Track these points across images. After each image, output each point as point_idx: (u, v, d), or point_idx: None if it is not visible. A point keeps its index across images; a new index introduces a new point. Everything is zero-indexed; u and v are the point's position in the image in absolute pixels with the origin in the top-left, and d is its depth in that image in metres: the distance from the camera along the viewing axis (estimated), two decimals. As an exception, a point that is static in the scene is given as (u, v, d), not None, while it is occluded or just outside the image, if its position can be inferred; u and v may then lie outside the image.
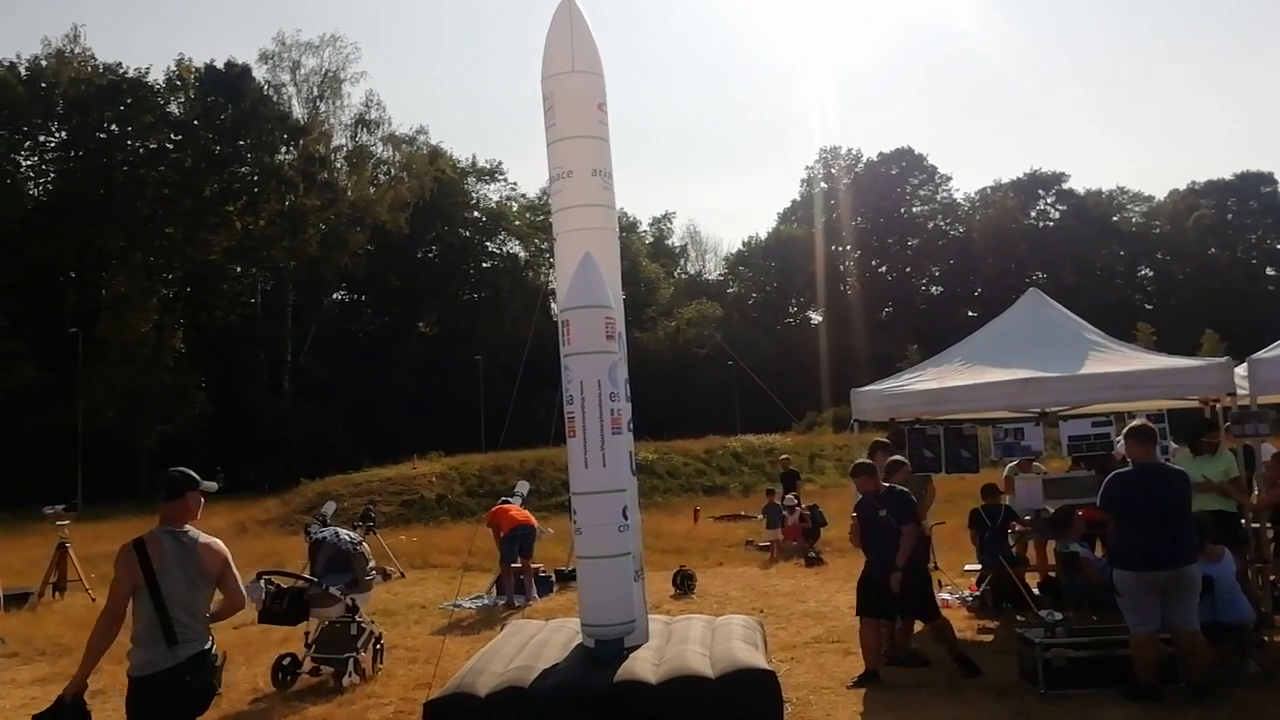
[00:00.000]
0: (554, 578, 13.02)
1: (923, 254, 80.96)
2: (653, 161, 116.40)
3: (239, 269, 57.15)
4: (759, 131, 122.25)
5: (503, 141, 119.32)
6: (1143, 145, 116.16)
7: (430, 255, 66.23)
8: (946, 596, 10.39)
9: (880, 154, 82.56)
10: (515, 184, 73.50)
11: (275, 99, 55.97)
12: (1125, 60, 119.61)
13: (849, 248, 79.01)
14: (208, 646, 4.51)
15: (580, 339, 6.35)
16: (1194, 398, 9.74)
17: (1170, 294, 74.87)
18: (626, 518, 6.36)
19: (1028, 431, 10.77)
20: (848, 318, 71.08)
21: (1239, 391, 8.54)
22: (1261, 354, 8.56)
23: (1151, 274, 79.55)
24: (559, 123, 6.80)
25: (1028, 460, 11.01)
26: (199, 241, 53.62)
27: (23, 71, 52.94)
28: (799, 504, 16.44)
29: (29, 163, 54.65)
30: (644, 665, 5.97)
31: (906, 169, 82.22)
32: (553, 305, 8.52)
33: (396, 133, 60.17)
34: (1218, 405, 9.85)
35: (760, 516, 17.71)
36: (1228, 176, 79.11)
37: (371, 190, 57.82)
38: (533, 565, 12.42)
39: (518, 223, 69.51)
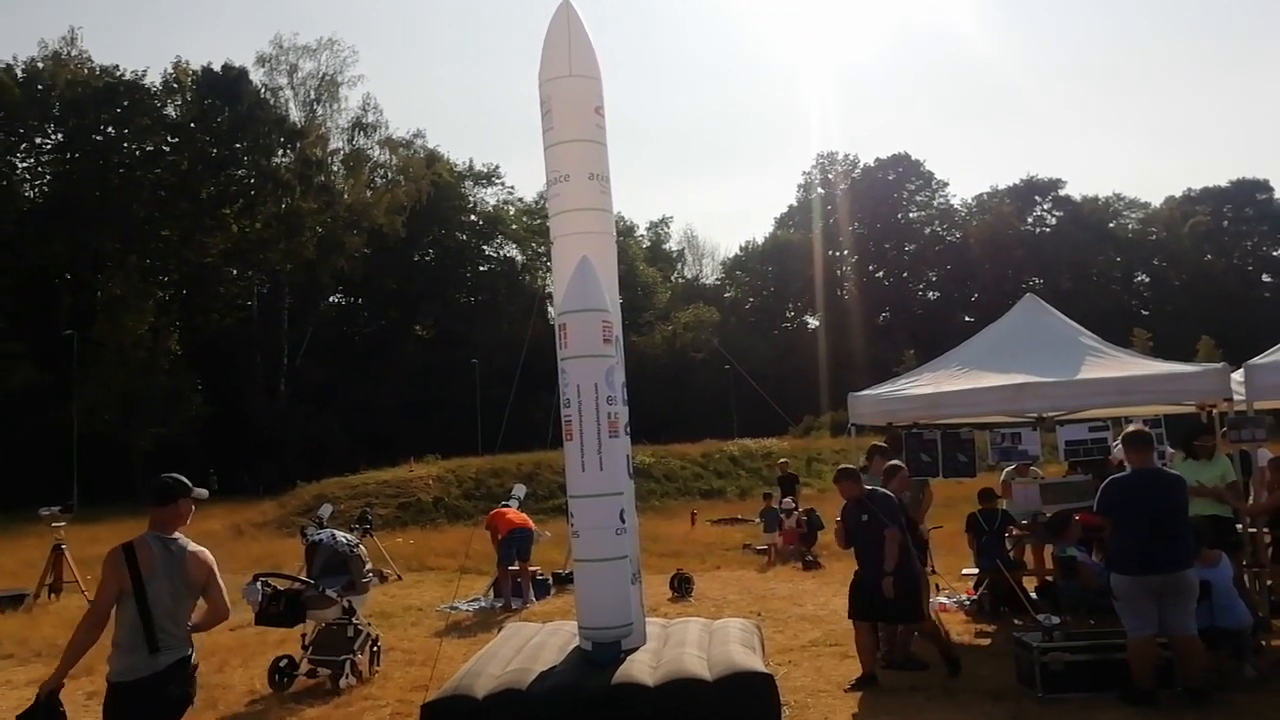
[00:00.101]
0: (551, 580, 13.02)
1: (920, 259, 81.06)
2: (650, 165, 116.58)
3: (235, 272, 57.09)
4: (756, 136, 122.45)
5: (500, 145, 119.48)
6: (1139, 152, 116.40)
7: (427, 258, 66.21)
8: (944, 600, 10.41)
9: (877, 159, 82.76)
10: (512, 188, 73.50)
11: (272, 102, 55.96)
12: (1122, 67, 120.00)
13: (846, 253, 79.09)
14: (187, 655, 4.50)
15: (577, 343, 6.36)
16: (1191, 403, 9.76)
17: (1166, 300, 75.04)
18: (624, 521, 6.37)
19: (1025, 436, 10.78)
20: (845, 322, 71.11)
21: (1235, 397, 8.56)
22: (1258, 360, 8.58)
23: (1148, 280, 79.72)
24: (556, 126, 6.81)
25: (1025, 465, 11.03)
26: (195, 244, 53.58)
27: (19, 73, 52.86)
28: (796, 508, 16.45)
29: (25, 165, 54.57)
30: (641, 668, 5.97)
31: (904, 174, 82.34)
32: (550, 309, 8.51)
33: (393, 136, 60.20)
34: (1214, 411, 9.87)
35: (757, 520, 17.73)
36: (1224, 183, 79.41)
37: (368, 193, 57.78)
38: (530, 568, 12.42)
39: (515, 226, 69.51)
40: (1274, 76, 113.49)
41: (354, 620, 8.14)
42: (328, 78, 56.50)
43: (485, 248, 69.64)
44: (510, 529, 12.19)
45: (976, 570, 10.39)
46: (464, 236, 68.23)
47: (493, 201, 71.20)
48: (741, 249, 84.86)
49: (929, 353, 13.76)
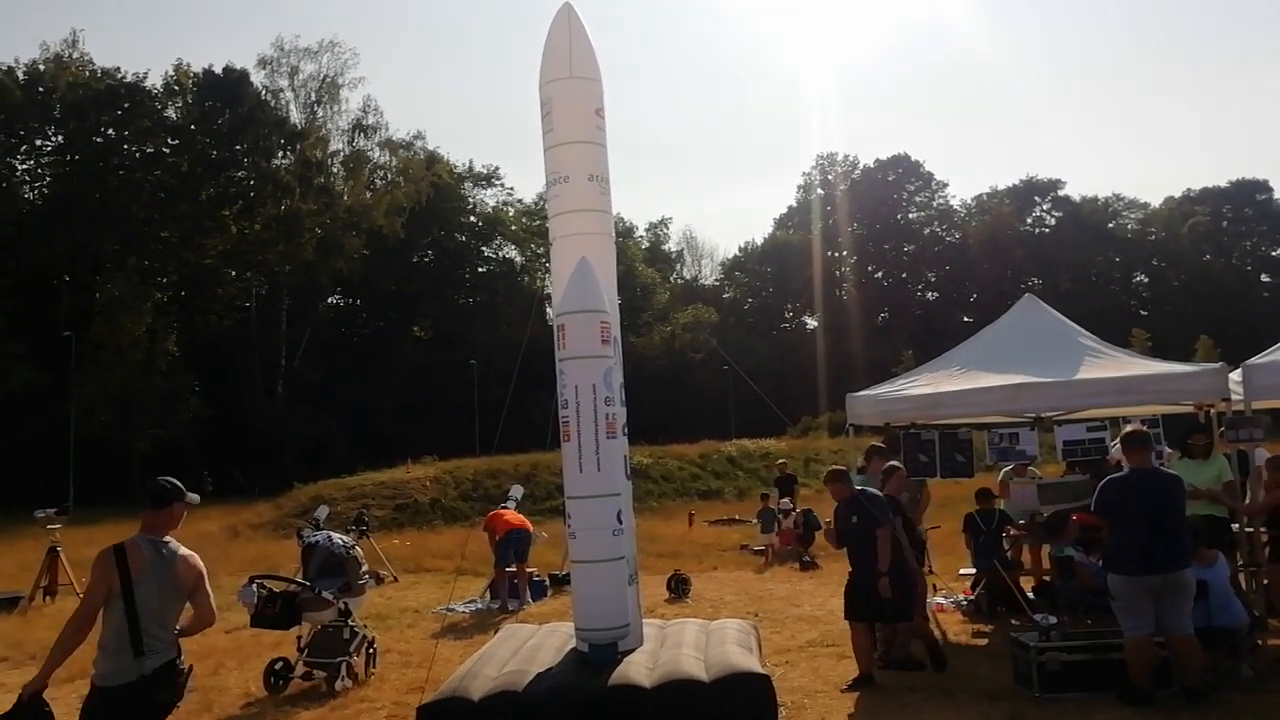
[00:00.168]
0: (548, 582, 13.01)
1: (919, 260, 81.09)
2: (649, 166, 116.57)
3: (234, 273, 57.06)
4: (756, 137, 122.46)
5: (500, 146, 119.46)
6: (1138, 152, 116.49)
7: (426, 260, 66.17)
8: (941, 600, 10.40)
9: (877, 160, 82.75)
10: (512, 189, 73.21)
11: (273, 104, 55.95)
12: (1121, 68, 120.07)
13: (845, 253, 79.10)
14: (173, 659, 4.48)
15: (576, 343, 6.36)
16: (1189, 403, 9.75)
17: (1165, 300, 75.07)
18: (621, 522, 6.36)
19: (1023, 436, 10.77)
20: (844, 323, 71.11)
21: (1233, 397, 8.56)
22: (1256, 360, 8.58)
23: (1147, 280, 79.75)
24: (556, 128, 6.83)
25: (1022, 465, 11.02)
26: (194, 245, 53.56)
27: (20, 75, 52.87)
28: (794, 509, 16.45)
29: (25, 166, 54.57)
30: (638, 669, 5.96)
31: (903, 175, 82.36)
32: (548, 310, 8.51)
33: (393, 138, 60.17)
34: (1212, 410, 9.86)
35: (755, 521, 17.71)
36: (1223, 184, 79.50)
37: (368, 195, 57.77)
38: (526, 569, 12.41)
39: (514, 227, 69.46)
40: (1273, 76, 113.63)
41: (350, 622, 8.13)
42: (328, 79, 56.56)
43: (484, 249, 69.61)
44: (508, 530, 12.18)
45: (974, 570, 10.39)
46: (463, 238, 68.19)
47: (492, 203, 71.23)
48: (740, 250, 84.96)
49: (927, 353, 13.76)
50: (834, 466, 7.82)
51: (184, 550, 4.61)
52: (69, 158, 53.40)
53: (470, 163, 70.46)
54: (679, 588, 12.24)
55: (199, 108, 55.35)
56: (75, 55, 54.24)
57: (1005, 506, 10.61)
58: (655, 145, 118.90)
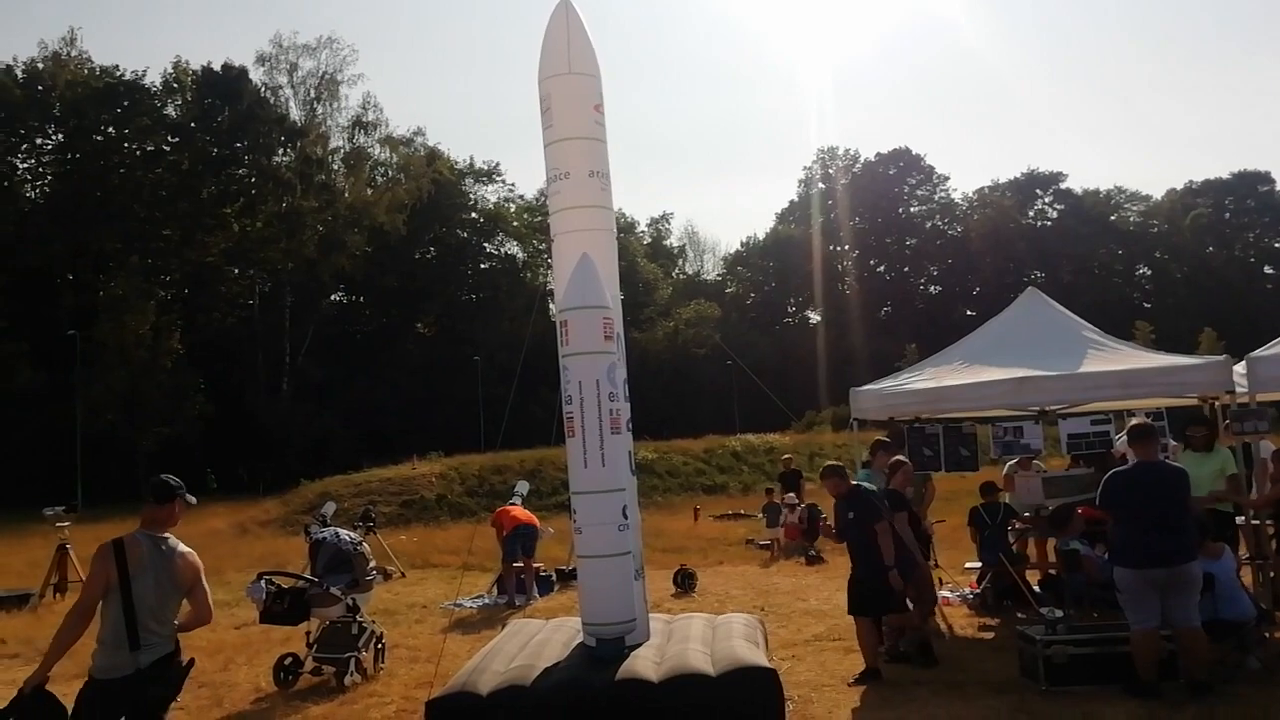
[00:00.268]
0: (554, 577, 13.04)
1: (921, 254, 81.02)
2: (651, 162, 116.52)
3: (236, 271, 57.13)
4: (757, 132, 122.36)
5: (500, 143, 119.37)
6: (1140, 145, 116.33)
7: (428, 256, 66.21)
8: (947, 594, 10.41)
9: (878, 154, 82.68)
10: (513, 185, 73.26)
11: (272, 101, 55.97)
12: (1123, 60, 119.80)
13: (847, 247, 79.04)
14: (170, 653, 4.52)
15: (579, 339, 6.37)
16: (1193, 396, 9.75)
17: (1168, 293, 74.95)
18: (626, 517, 6.38)
19: (1027, 430, 10.78)
20: (846, 317, 71.12)
21: (1237, 389, 8.55)
22: (1260, 352, 8.57)
23: (1149, 273, 79.64)
24: (556, 124, 6.83)
25: (1027, 458, 11.02)
26: (196, 243, 53.61)
27: (19, 74, 52.91)
28: (799, 503, 16.46)
29: (26, 165, 54.66)
30: (645, 664, 5.98)
31: (904, 169, 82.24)
32: (551, 306, 8.52)
33: (394, 134, 60.23)
34: (1216, 403, 9.86)
35: (760, 515, 17.73)
36: (1225, 176, 79.38)
37: (369, 192, 57.79)
38: (533, 564, 12.44)
39: (515, 224, 69.47)
40: (1276, 69, 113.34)
41: (358, 618, 8.15)
42: (327, 76, 56.57)
43: (486, 245, 69.60)
44: (516, 525, 12.23)
45: (979, 564, 10.40)
46: (465, 234, 68.19)
47: (493, 199, 71.27)
48: (742, 245, 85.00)
49: (930, 347, 13.74)
50: (829, 463, 7.81)
51: (183, 547, 4.66)
52: (69, 156, 53.45)
53: (471, 159, 70.62)
54: (685, 582, 12.26)
55: (198, 105, 55.39)
56: (74, 53, 54.36)
57: (1010, 500, 10.61)
58: (656, 141, 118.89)
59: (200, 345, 50.55)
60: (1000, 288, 62.63)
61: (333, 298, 62.52)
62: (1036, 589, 9.75)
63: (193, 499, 4.85)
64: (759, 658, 6.10)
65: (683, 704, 5.61)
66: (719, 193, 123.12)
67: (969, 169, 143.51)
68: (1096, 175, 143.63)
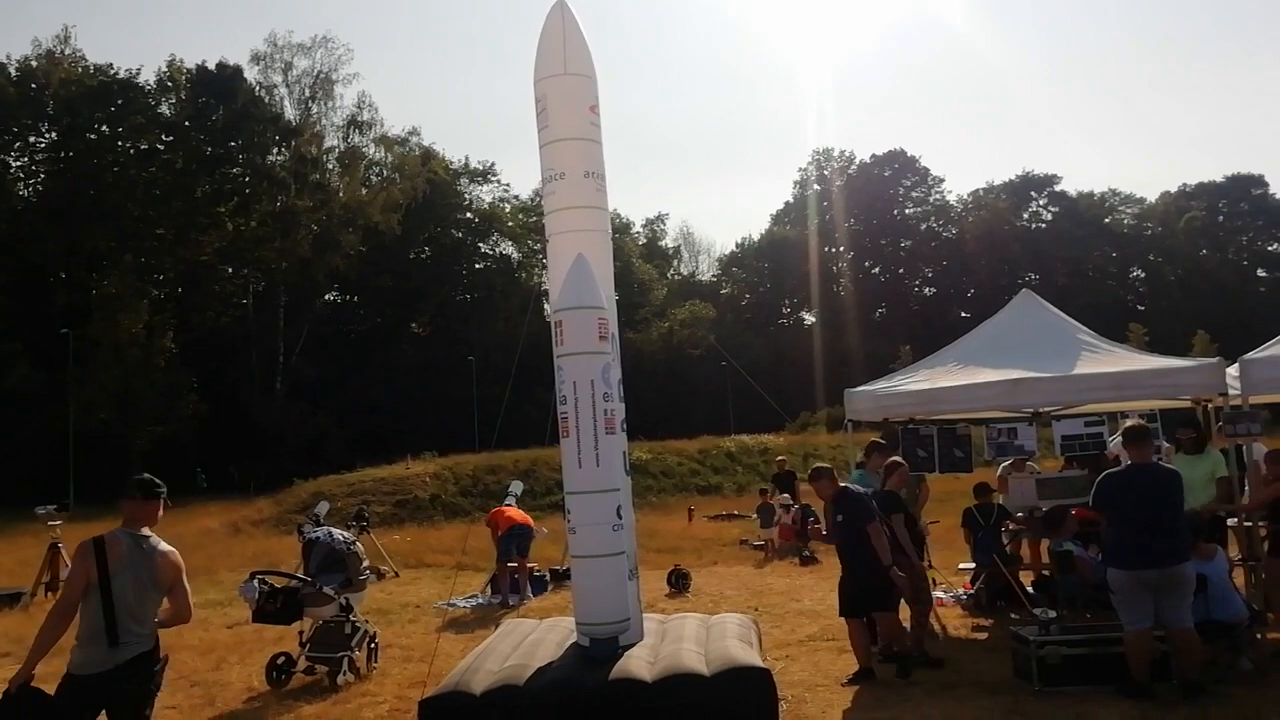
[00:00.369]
0: (548, 577, 13.04)
1: (916, 255, 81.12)
2: (646, 163, 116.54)
3: (230, 270, 56.99)
4: (752, 133, 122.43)
5: (495, 143, 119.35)
6: (1134, 147, 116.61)
7: (423, 256, 66.10)
8: (941, 595, 10.42)
9: (873, 156, 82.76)
10: (508, 185, 73.40)
11: (267, 100, 55.77)
12: (1118, 62, 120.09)
13: (842, 249, 79.10)
14: (149, 650, 4.53)
15: (573, 340, 6.37)
16: (1186, 398, 9.78)
17: (1162, 295, 75.13)
18: (620, 517, 6.38)
19: (1021, 431, 10.81)
20: (841, 319, 71.16)
21: (1230, 391, 8.58)
22: (1253, 354, 8.60)
23: (1143, 275, 79.83)
24: (551, 125, 6.83)
25: (1021, 460, 11.05)
26: (190, 242, 53.46)
27: (13, 72, 52.71)
28: (794, 504, 16.49)
29: (19, 163, 54.42)
30: (639, 664, 5.98)
31: (899, 171, 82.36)
32: (546, 306, 8.52)
33: (388, 134, 60.04)
34: (1209, 405, 9.89)
35: (754, 516, 17.74)
36: (1219, 179, 79.55)
37: (363, 191, 57.67)
38: (527, 564, 12.44)
39: (510, 224, 69.41)
40: (1270, 72, 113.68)
41: (351, 617, 8.14)
42: (322, 75, 56.37)
43: (481, 245, 69.55)
44: (510, 525, 12.24)
45: (973, 565, 10.41)
46: (460, 234, 68.12)
47: (488, 199, 71.19)
48: (738, 245, 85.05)
49: (925, 348, 13.79)
50: (816, 465, 7.79)
51: (164, 545, 4.66)
52: (63, 155, 53.26)
53: (466, 159, 70.52)
54: (679, 583, 12.27)
55: (192, 104, 55.24)
56: (68, 51, 54.12)
57: (1004, 501, 10.63)
58: (652, 141, 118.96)
59: (194, 344, 50.42)
60: (995, 290, 62.73)
61: (327, 297, 62.40)
62: (1030, 590, 9.76)
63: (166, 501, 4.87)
64: (753, 658, 6.10)
65: (676, 704, 5.61)
66: (714, 194, 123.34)
67: (964, 171, 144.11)
68: (1093, 177, 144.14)
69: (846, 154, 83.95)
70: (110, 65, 54.30)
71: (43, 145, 54.34)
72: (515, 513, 12.60)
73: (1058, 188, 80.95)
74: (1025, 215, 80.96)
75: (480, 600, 12.23)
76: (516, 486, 14.70)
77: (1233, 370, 8.63)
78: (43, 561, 13.73)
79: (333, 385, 53.27)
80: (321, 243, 54.18)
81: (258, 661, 8.46)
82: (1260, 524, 8.53)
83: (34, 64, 53.17)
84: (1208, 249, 76.91)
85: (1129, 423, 7.19)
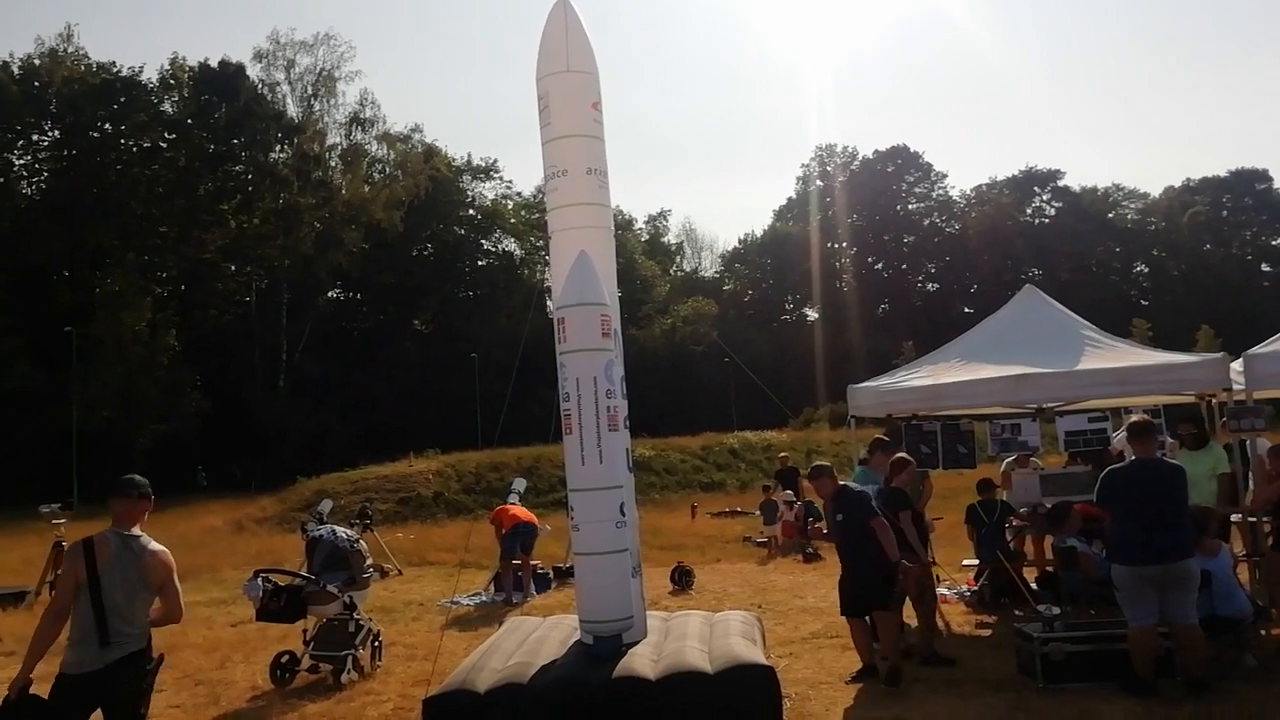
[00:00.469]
0: (551, 574, 13.04)
1: (919, 251, 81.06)
2: (648, 159, 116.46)
3: (233, 267, 57.09)
4: (754, 129, 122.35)
5: (498, 139, 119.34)
6: (1139, 144, 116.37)
7: (425, 253, 66.16)
8: (945, 591, 10.41)
9: (876, 151, 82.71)
10: (510, 182, 73.13)
11: (269, 98, 55.85)
12: (1121, 57, 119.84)
13: (845, 245, 79.06)
14: (141, 650, 4.55)
15: (576, 337, 6.36)
16: (1190, 393, 9.76)
17: (1166, 290, 75.02)
18: (624, 514, 6.37)
19: (1025, 427, 10.78)
20: (844, 315, 71.16)
21: (1235, 386, 8.56)
22: (1257, 349, 8.57)
23: (1147, 270, 79.73)
24: (554, 122, 6.82)
25: (1025, 456, 11.03)
26: (193, 240, 53.54)
27: (16, 70, 52.78)
28: (797, 501, 16.47)
29: (22, 162, 54.53)
30: (643, 661, 5.97)
31: (902, 166, 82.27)
32: (549, 303, 8.50)
33: (391, 131, 60.08)
34: (1213, 401, 9.87)
35: (757, 513, 17.74)
36: (1223, 173, 79.45)
37: (366, 189, 57.70)
38: (531, 562, 12.44)
39: (513, 221, 69.41)
40: (1274, 66, 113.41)
41: (355, 615, 8.15)
42: (325, 73, 56.44)
43: (484, 242, 69.59)
44: (515, 524, 12.25)
45: (977, 561, 10.40)
46: (462, 231, 68.15)
47: (491, 196, 71.26)
48: (740, 242, 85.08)
49: (928, 344, 13.78)
50: (816, 463, 7.72)
51: (154, 545, 4.67)
52: (66, 153, 53.36)
53: (468, 156, 70.60)
54: (682, 580, 12.26)
55: (195, 102, 55.30)
56: (70, 49, 54.22)
57: (1008, 497, 10.61)
58: (654, 138, 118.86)
59: (197, 342, 50.51)
60: (998, 285, 62.67)
61: (330, 295, 62.47)
62: (1034, 586, 9.75)
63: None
64: (756, 655, 6.09)
65: (680, 701, 5.61)
66: (717, 190, 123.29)
67: (967, 166, 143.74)
68: (1095, 174, 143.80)
69: (849, 150, 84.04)
70: (113, 63, 54.51)
71: (46, 143, 54.46)
72: (520, 511, 12.61)
73: (1061, 183, 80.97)
74: (1028, 211, 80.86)
75: (484, 598, 12.23)
76: (519, 484, 14.71)
77: (1237, 365, 8.60)
78: (47, 560, 13.74)
79: (335, 383, 53.33)
80: (324, 240, 54.23)
81: (262, 660, 8.47)
82: (1265, 519, 8.50)
83: (37, 62, 53.24)
84: (1212, 244, 76.77)
85: (1134, 418, 7.17)
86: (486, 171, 70.96)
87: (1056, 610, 7.11)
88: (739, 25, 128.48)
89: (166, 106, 55.84)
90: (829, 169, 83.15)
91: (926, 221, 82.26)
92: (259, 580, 7.91)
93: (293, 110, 56.39)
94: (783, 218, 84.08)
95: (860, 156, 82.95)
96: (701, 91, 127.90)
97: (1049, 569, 9.91)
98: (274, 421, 49.44)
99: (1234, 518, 8.78)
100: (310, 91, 56.31)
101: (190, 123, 55.06)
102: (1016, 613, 8.83)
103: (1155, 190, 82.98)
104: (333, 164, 58.33)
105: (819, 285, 73.40)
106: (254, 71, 55.72)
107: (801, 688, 7.09)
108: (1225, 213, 78.68)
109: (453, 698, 5.78)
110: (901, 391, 10.18)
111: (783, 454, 22.66)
